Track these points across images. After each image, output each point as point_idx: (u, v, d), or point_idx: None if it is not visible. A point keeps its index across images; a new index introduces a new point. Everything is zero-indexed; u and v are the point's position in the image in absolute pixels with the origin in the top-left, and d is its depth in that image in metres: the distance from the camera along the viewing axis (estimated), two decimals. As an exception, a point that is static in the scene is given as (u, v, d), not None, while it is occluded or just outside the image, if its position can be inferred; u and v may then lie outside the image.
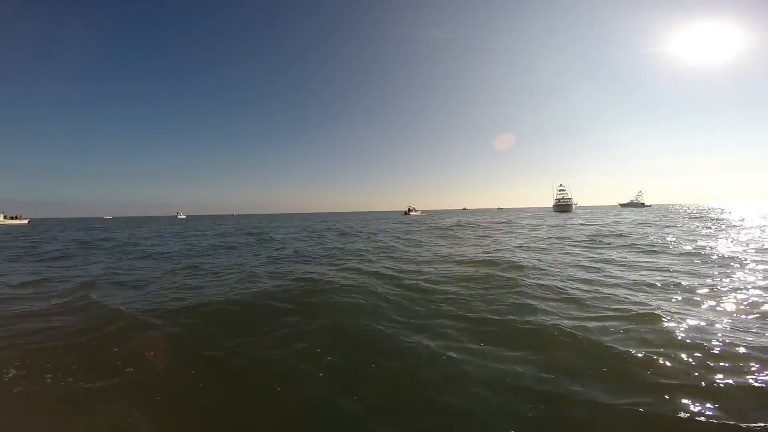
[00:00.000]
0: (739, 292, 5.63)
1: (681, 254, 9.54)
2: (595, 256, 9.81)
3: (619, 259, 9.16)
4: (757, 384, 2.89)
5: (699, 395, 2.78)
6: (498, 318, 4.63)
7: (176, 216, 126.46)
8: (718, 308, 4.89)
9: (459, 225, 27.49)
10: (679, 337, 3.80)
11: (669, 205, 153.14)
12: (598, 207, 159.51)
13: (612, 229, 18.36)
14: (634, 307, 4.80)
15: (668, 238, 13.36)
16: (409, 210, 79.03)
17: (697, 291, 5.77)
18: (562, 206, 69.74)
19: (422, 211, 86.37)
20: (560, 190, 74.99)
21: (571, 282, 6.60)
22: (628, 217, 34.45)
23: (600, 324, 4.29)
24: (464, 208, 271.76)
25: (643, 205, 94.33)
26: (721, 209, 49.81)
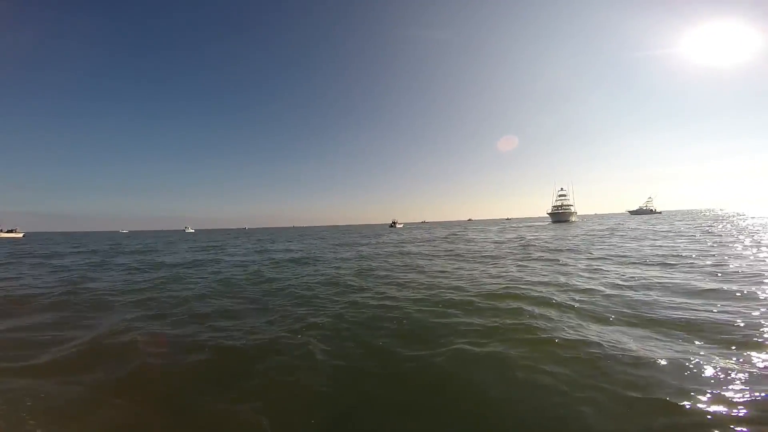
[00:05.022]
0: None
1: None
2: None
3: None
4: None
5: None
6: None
7: (185, 230, 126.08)
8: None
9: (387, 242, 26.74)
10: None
11: (685, 210, 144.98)
12: (604, 215, 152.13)
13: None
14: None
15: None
16: (393, 223, 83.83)
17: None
18: (560, 215, 61.43)
19: (420, 223, 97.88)
20: (560, 195, 65.38)
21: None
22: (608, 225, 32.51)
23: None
24: (469, 219, 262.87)
25: (652, 211, 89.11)
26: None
